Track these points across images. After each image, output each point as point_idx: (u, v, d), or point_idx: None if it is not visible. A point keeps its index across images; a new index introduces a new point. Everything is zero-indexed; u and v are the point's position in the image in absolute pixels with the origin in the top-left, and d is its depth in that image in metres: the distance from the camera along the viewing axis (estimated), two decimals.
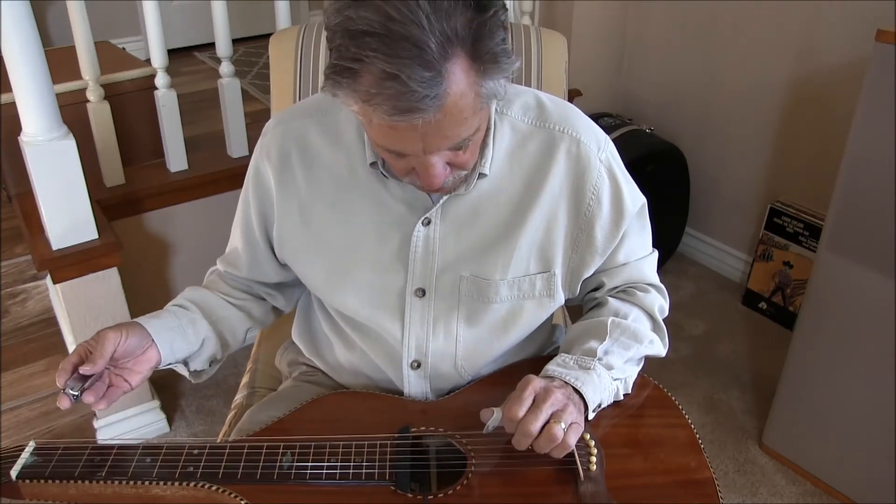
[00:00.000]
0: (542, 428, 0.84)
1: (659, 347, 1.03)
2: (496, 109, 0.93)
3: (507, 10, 0.77)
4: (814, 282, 1.67)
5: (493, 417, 0.87)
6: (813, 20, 2.11)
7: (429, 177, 0.82)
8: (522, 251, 0.95)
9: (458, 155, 0.82)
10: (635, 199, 0.99)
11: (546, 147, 0.94)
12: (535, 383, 0.87)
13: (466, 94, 0.74)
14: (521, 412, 0.84)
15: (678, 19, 2.49)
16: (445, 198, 0.93)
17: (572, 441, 0.85)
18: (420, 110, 0.71)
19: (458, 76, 0.72)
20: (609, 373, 0.95)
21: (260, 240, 1.04)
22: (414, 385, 1.02)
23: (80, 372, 0.86)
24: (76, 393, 0.86)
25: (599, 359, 0.95)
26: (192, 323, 1.00)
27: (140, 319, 0.96)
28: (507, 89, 0.80)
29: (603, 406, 0.96)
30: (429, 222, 0.94)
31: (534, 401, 0.86)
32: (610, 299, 1.03)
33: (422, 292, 0.97)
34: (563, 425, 0.84)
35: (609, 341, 0.97)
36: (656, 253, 1.07)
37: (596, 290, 1.06)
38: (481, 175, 0.93)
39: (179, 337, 0.98)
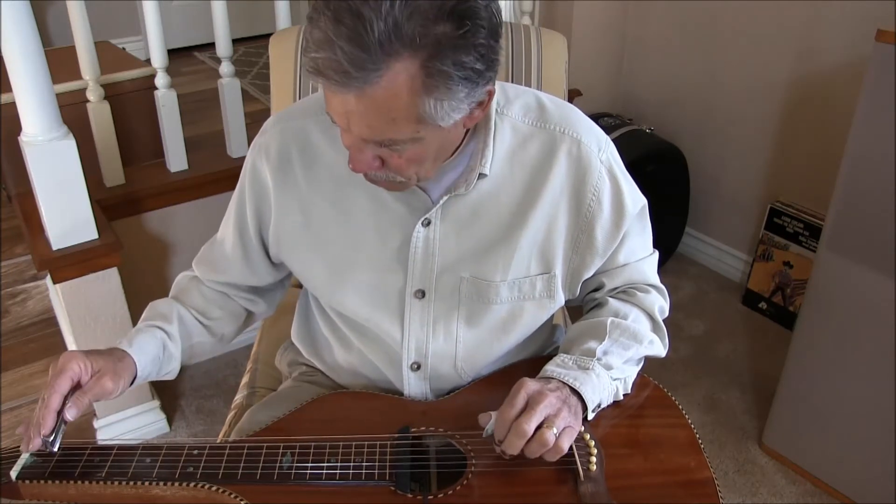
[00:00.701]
0: (535, 431, 0.83)
1: (659, 348, 1.03)
2: (497, 110, 0.93)
3: (484, 29, 0.73)
4: (814, 282, 1.67)
5: (491, 421, 0.87)
6: (813, 20, 2.11)
7: (351, 157, 0.83)
8: (523, 252, 0.95)
9: (393, 157, 0.82)
10: (636, 199, 0.99)
11: (547, 148, 0.94)
12: (529, 386, 0.87)
13: (400, 96, 0.73)
14: (514, 413, 0.84)
15: (678, 19, 2.48)
16: (446, 198, 0.93)
17: (565, 445, 0.85)
18: (336, 83, 0.72)
19: (397, 74, 0.72)
20: (608, 373, 0.95)
21: (254, 238, 1.04)
22: (414, 386, 1.02)
23: (66, 418, 0.84)
24: (53, 448, 0.83)
25: (598, 359, 0.95)
26: (169, 359, 1.01)
27: (133, 353, 0.94)
28: (451, 115, 0.77)
29: (602, 406, 0.95)
30: (429, 223, 0.94)
31: (528, 403, 0.86)
32: (610, 300, 1.03)
33: (421, 293, 0.97)
34: (555, 430, 0.84)
35: (608, 341, 0.97)
36: (657, 254, 1.07)
37: (596, 290, 1.06)
38: (481, 175, 0.92)
39: (154, 373, 0.98)
